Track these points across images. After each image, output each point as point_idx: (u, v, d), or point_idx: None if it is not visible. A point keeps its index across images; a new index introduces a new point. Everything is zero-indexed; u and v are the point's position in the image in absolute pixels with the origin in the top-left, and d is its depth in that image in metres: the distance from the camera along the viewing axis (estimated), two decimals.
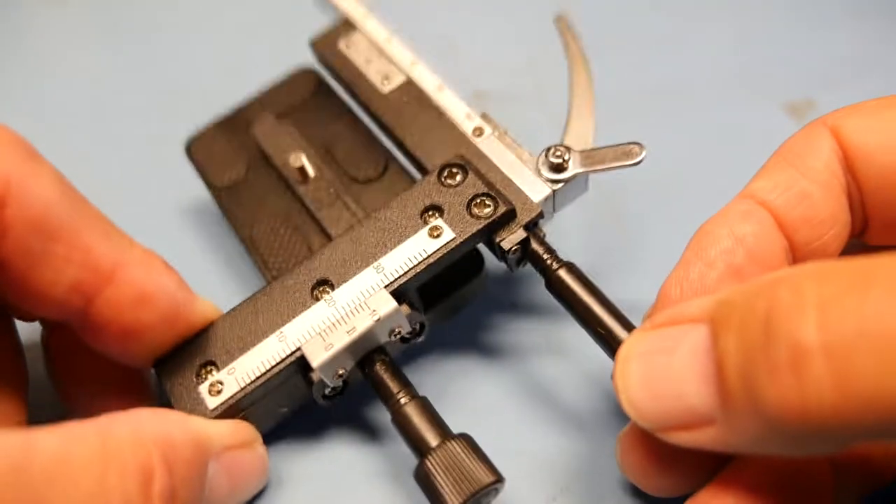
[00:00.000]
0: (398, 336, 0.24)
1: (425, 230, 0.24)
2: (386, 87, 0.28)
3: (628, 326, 0.22)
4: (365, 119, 0.30)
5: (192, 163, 0.30)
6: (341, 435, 0.25)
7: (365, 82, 0.29)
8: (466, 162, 0.25)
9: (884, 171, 0.20)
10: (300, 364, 0.23)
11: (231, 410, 0.23)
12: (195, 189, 0.31)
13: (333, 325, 0.23)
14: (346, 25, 0.30)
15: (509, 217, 0.24)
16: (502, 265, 0.25)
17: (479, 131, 0.27)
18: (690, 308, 0.18)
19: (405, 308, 0.23)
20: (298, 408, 0.25)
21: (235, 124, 0.31)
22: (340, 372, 0.23)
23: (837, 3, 0.37)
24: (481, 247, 0.25)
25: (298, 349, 0.23)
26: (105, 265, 0.21)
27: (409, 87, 0.28)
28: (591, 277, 0.23)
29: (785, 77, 0.35)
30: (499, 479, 0.21)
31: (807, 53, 0.35)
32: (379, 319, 0.23)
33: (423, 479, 0.21)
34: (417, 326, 0.24)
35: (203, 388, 0.23)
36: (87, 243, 0.20)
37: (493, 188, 0.25)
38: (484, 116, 0.27)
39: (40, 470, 0.16)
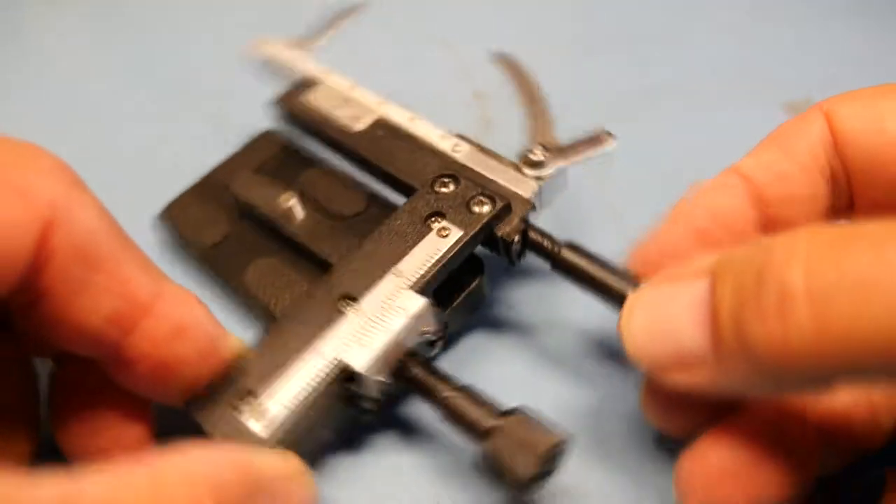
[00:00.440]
0: (425, 338, 0.24)
1: (434, 233, 0.25)
2: (358, 126, 0.30)
3: (635, 285, 0.24)
4: (336, 163, 0.31)
5: (168, 229, 0.30)
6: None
7: (336, 123, 0.30)
8: (455, 171, 0.27)
9: (868, 154, 0.22)
10: (342, 377, 0.23)
11: (282, 436, 0.22)
12: None
13: (367, 330, 0.23)
14: (306, 82, 0.32)
15: (507, 212, 0.26)
16: (497, 269, 0.26)
17: (456, 147, 0.29)
18: (693, 265, 0.20)
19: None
20: (338, 439, 0.25)
21: (208, 187, 0.31)
22: (380, 379, 0.23)
23: (837, 3, 0.37)
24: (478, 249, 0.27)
25: (339, 360, 0.23)
26: (143, 297, 0.20)
27: (382, 122, 0.30)
28: None
29: (785, 77, 0.35)
30: (563, 438, 0.21)
31: (807, 53, 0.36)
32: (412, 315, 0.23)
33: (491, 459, 0.21)
34: (442, 327, 0.25)
35: (248, 419, 0.22)
36: (126, 274, 0.20)
37: (487, 188, 0.26)
38: (458, 136, 0.29)
39: None
